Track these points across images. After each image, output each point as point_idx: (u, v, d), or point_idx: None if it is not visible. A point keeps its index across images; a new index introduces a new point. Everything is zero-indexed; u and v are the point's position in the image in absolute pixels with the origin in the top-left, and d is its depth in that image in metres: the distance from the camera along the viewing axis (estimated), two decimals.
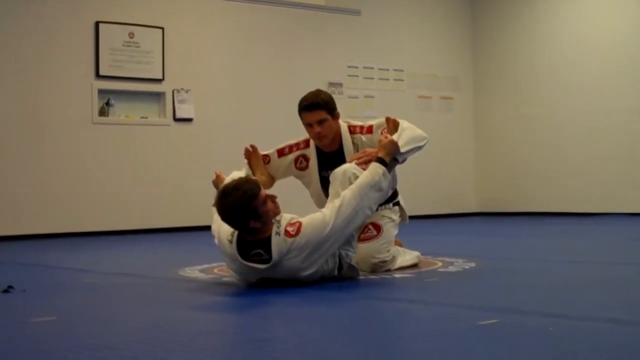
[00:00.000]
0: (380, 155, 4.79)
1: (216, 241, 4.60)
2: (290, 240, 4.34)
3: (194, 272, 5.36)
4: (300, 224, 4.40)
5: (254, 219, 4.28)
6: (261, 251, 4.35)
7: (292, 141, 5.48)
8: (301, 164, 5.42)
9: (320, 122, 5.16)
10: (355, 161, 4.84)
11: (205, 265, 5.65)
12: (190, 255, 6.69)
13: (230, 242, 4.41)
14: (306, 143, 5.41)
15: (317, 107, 5.15)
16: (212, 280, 4.96)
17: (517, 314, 3.52)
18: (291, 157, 5.43)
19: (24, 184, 9.03)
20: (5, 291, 4.48)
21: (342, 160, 5.07)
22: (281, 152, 5.46)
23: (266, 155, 5.45)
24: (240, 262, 4.38)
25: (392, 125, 5.12)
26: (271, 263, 4.32)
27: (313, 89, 11.37)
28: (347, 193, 4.54)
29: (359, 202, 4.52)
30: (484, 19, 12.86)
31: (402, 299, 4.12)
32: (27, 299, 4.35)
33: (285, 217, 4.44)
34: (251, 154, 5.45)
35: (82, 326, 3.57)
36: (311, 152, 5.38)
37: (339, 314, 3.90)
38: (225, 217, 4.35)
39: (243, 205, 4.27)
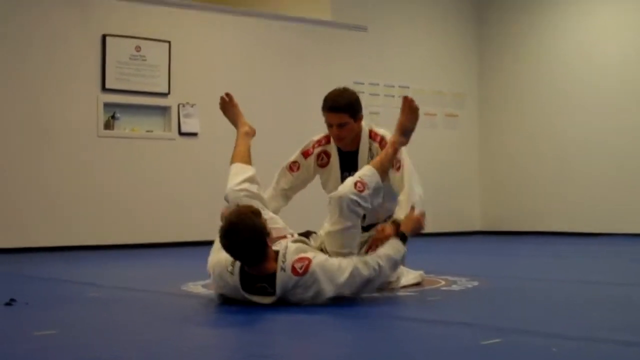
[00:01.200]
0: (403, 229, 4.76)
1: (211, 276, 4.54)
2: (296, 278, 4.27)
3: (196, 287, 5.35)
4: (309, 262, 4.29)
5: (265, 254, 4.24)
6: (266, 285, 4.28)
7: (314, 138, 5.36)
8: (322, 160, 5.29)
9: (341, 125, 5.07)
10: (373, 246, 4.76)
11: (208, 281, 5.64)
12: (193, 270, 6.67)
13: (232, 273, 4.32)
14: (327, 139, 5.28)
15: (340, 109, 5.05)
16: (214, 295, 4.95)
17: (521, 334, 3.51)
18: (314, 154, 5.31)
19: (28, 196, 9.03)
20: (8, 304, 4.48)
21: (356, 162, 5.03)
22: (306, 154, 5.31)
23: (295, 162, 5.30)
24: (242, 295, 4.31)
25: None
26: (275, 298, 4.28)
27: (318, 104, 11.38)
28: (374, 260, 4.46)
29: (377, 274, 4.46)
30: (490, 37, 12.87)
31: (405, 317, 4.12)
32: (30, 311, 4.34)
33: (290, 250, 4.32)
34: (227, 104, 5.35)
35: (84, 340, 3.56)
36: (332, 149, 5.26)
37: (340, 332, 3.90)
38: (236, 254, 4.25)
39: (255, 240, 4.19)
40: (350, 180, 4.64)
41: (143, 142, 9.84)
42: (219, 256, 4.43)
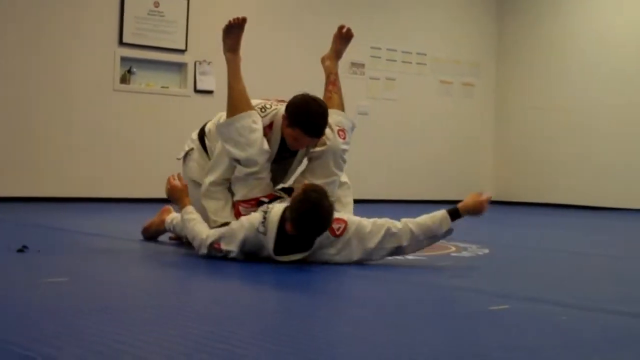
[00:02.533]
0: (461, 207, 4.73)
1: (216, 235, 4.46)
2: (333, 238, 4.37)
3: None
4: (346, 224, 4.40)
5: None
6: (298, 246, 4.35)
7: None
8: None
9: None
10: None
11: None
12: None
13: (264, 233, 4.31)
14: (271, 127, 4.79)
15: (317, 136, 4.70)
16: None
17: (528, 301, 3.52)
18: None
19: (43, 147, 9.05)
20: (20, 250, 4.51)
21: (293, 160, 4.88)
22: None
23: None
24: (268, 253, 4.34)
25: None
26: (308, 253, 4.35)
27: None
28: (406, 227, 4.47)
29: (408, 243, 4.48)
30: (508, 6, 12.79)
31: (414, 282, 4.12)
32: (41, 259, 4.37)
33: None
34: (238, 26, 4.98)
35: (94, 288, 3.59)
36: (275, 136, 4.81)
37: (346, 293, 3.91)
38: (320, 228, 4.27)
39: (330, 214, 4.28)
40: (330, 131, 4.75)
41: (158, 97, 9.84)
42: (242, 220, 4.40)
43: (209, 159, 4.88)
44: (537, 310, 3.35)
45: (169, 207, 5.20)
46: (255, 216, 4.37)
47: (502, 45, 12.83)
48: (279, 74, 10.37)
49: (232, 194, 4.71)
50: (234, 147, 4.59)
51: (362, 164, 11.08)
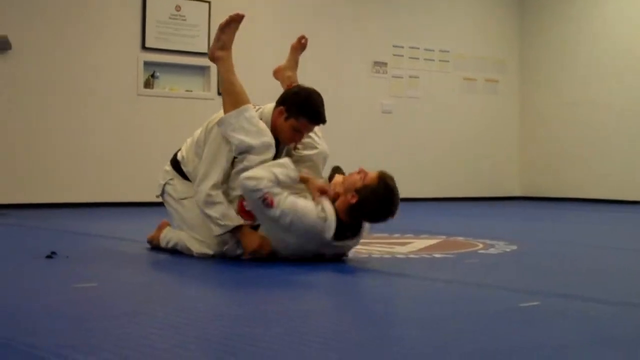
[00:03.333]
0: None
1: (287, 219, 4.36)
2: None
3: None
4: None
5: None
6: (349, 233, 4.45)
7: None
8: None
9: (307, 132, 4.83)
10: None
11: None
12: None
13: (325, 219, 4.35)
14: None
15: (321, 124, 4.79)
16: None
17: (559, 297, 3.49)
18: None
19: (69, 153, 9.10)
20: (49, 257, 4.53)
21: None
22: None
23: None
24: (328, 242, 4.38)
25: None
26: (358, 239, 4.55)
27: (357, 66, 11.30)
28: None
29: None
30: (532, 1, 12.73)
31: (441, 279, 4.11)
32: (70, 265, 4.39)
33: None
34: (235, 22, 4.92)
35: (122, 293, 3.60)
36: None
37: (375, 291, 3.90)
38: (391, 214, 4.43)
39: None
40: (317, 136, 4.92)
41: (182, 101, 9.87)
42: (309, 204, 4.38)
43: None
44: (568, 306, 3.33)
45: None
46: (310, 202, 4.39)
47: (525, 39, 12.77)
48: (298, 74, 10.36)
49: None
50: (246, 136, 4.53)
51: (386, 163, 11.03)
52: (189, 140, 4.98)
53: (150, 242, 5.15)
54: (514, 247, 5.44)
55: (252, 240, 4.52)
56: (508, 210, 10.38)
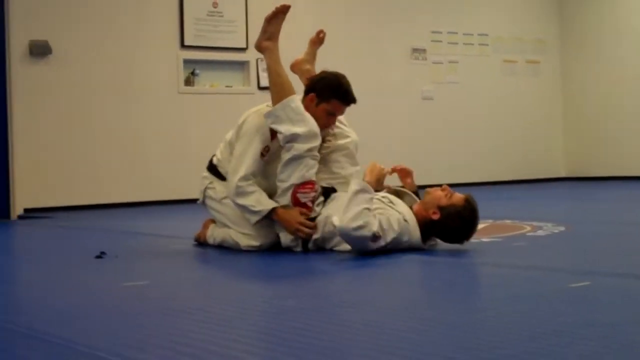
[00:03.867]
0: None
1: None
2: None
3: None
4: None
5: None
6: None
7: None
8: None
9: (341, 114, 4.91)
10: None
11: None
12: None
13: (407, 221, 4.38)
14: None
15: (352, 103, 4.85)
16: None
17: (609, 277, 3.47)
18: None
19: (113, 153, 9.17)
20: (99, 257, 4.58)
21: None
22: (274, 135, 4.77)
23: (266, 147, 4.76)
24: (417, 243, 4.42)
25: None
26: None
27: (396, 55, 11.28)
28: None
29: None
30: None
31: (491, 263, 4.09)
32: (120, 264, 4.43)
33: None
34: (282, 14, 5.00)
35: (173, 290, 3.63)
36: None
37: (428, 277, 3.90)
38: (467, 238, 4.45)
39: None
40: (345, 125, 5.05)
41: (223, 97, 9.90)
42: (394, 216, 4.36)
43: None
44: (619, 285, 3.30)
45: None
46: (394, 213, 4.38)
47: (565, 19, 12.64)
48: (336, 62, 10.37)
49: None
50: (292, 126, 4.58)
51: (429, 149, 11.03)
52: (221, 144, 5.05)
53: (197, 239, 5.18)
54: (562, 229, 5.40)
55: (291, 217, 4.57)
56: (554, 192, 10.30)
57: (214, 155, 5.09)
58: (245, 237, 4.74)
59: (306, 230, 4.56)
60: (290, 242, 4.63)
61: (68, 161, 8.92)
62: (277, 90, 4.74)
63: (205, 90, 9.83)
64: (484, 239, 4.96)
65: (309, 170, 4.59)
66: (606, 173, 12.12)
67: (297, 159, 4.57)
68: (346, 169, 4.89)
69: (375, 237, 4.20)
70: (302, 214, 4.58)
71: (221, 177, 4.95)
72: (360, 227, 4.16)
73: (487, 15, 12.01)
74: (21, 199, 8.58)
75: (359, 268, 4.10)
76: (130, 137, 9.30)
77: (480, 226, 5.64)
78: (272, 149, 4.71)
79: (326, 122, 4.77)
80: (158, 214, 8.22)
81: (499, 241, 4.90)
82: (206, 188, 5.02)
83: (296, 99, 4.70)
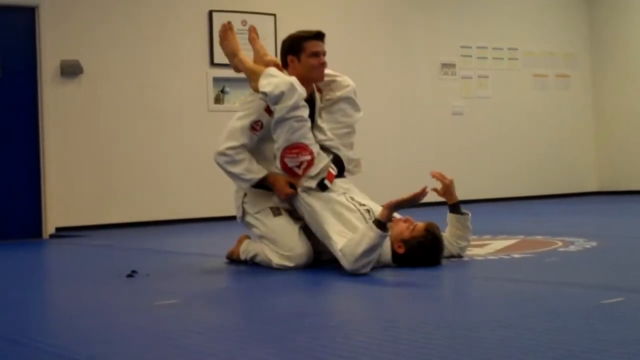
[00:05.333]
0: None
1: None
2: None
3: None
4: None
5: None
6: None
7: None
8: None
9: (324, 54, 4.99)
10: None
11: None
12: None
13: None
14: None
15: (323, 37, 4.99)
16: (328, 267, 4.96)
17: None
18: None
19: (142, 171, 9.20)
20: (130, 276, 4.59)
21: (314, 108, 4.95)
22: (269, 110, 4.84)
23: (257, 122, 4.86)
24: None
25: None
26: None
27: (425, 70, 11.28)
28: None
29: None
30: None
31: (523, 280, 4.06)
32: (151, 283, 4.44)
33: None
34: (227, 32, 5.33)
35: (204, 308, 3.63)
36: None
37: (460, 293, 3.88)
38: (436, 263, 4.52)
39: None
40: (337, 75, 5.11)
41: None
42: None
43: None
44: None
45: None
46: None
47: (595, 32, 12.57)
48: (366, 79, 10.39)
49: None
50: (272, 88, 4.67)
51: (459, 165, 10.99)
52: None
53: (229, 257, 5.19)
54: (594, 244, 5.36)
55: (279, 187, 4.77)
56: (585, 207, 10.23)
57: None
58: (279, 257, 4.74)
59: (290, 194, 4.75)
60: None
61: (99, 180, 8.97)
62: (250, 74, 5.00)
63: (235, 107, 9.82)
64: (515, 255, 4.93)
65: (293, 133, 4.68)
66: (638, 187, 12.02)
67: (281, 121, 4.69)
68: (351, 116, 5.03)
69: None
70: (289, 183, 4.75)
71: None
72: (364, 266, 4.30)
73: (516, 30, 11.97)
74: (53, 218, 8.64)
75: (382, 285, 4.09)
76: (161, 155, 9.34)
77: (511, 242, 5.64)
78: (265, 124, 4.81)
79: (317, 65, 4.89)
80: (189, 232, 8.23)
81: (530, 257, 4.86)
82: (242, 203, 5.05)
83: (272, 68, 4.87)
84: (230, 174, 4.91)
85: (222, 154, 4.90)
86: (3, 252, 7.04)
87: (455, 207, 4.85)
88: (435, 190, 4.78)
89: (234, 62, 5.22)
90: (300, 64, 4.90)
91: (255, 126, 4.84)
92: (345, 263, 4.32)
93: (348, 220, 4.54)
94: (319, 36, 4.97)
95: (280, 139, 4.71)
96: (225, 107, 9.77)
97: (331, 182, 4.72)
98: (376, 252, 4.31)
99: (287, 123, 4.67)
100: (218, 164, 4.96)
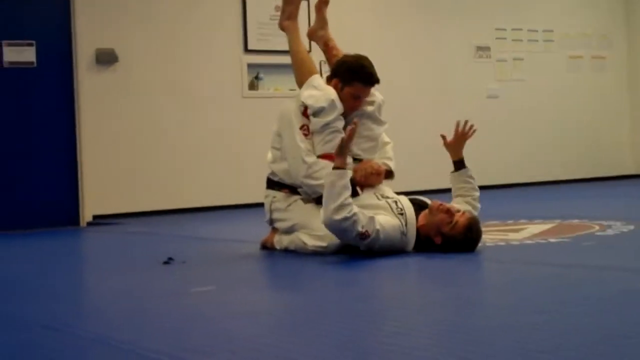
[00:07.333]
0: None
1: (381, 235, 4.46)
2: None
3: None
4: None
5: None
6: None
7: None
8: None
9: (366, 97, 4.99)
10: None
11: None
12: None
13: (405, 234, 4.52)
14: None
15: (375, 84, 4.97)
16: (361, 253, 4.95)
17: None
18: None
19: (177, 158, 9.23)
20: (166, 262, 4.61)
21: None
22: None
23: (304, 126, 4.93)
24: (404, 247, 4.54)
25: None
26: None
27: (459, 56, 11.22)
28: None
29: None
30: None
31: (560, 264, 4.04)
32: (187, 269, 4.47)
33: None
34: None
35: (240, 294, 3.64)
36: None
37: (495, 277, 3.87)
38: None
39: None
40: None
41: (287, 101, 9.90)
42: (391, 222, 4.49)
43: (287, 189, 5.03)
44: None
45: None
46: (397, 221, 4.51)
47: (630, 12, 12.43)
48: (399, 63, 10.36)
49: None
50: (314, 102, 4.81)
51: (494, 148, 10.93)
52: (269, 152, 5.26)
53: (263, 244, 5.20)
54: (632, 227, 5.31)
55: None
56: (622, 189, 10.14)
57: (269, 173, 5.21)
58: (312, 238, 4.75)
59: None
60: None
61: (136, 167, 9.01)
62: (298, 65, 5.15)
63: (269, 94, 9.86)
64: (552, 239, 4.90)
65: (326, 143, 4.80)
66: None
67: (316, 132, 4.83)
68: (373, 129, 4.99)
69: (363, 235, 4.37)
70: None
71: (281, 186, 5.03)
72: (345, 219, 4.31)
73: (551, 11, 11.86)
74: (90, 206, 8.70)
75: (420, 270, 4.09)
76: (196, 142, 9.37)
77: (547, 226, 5.61)
78: (311, 127, 4.87)
79: (352, 105, 4.91)
80: (224, 219, 8.26)
81: (567, 241, 4.84)
82: (271, 204, 5.07)
83: (317, 78, 4.99)
84: (314, 187, 4.83)
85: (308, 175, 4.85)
86: (41, 240, 7.11)
87: (459, 163, 4.97)
88: (443, 138, 4.97)
89: (285, 24, 5.29)
90: (341, 93, 4.89)
91: (304, 132, 4.90)
92: (322, 217, 4.38)
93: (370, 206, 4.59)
94: (372, 83, 4.93)
95: (316, 148, 4.84)
96: (259, 94, 9.78)
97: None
98: (341, 195, 4.32)
99: (321, 134, 4.81)
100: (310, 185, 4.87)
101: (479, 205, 4.91)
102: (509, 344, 2.45)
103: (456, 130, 4.94)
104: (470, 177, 4.95)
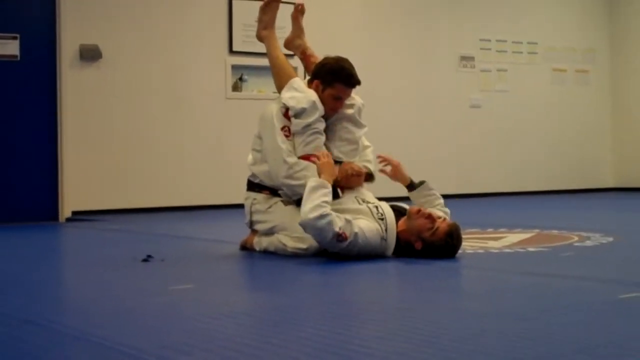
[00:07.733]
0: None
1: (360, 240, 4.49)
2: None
3: None
4: None
5: None
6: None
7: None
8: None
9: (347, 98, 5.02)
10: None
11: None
12: None
13: (386, 239, 4.55)
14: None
15: (356, 85, 4.97)
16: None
17: None
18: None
19: (160, 158, 9.22)
20: (145, 260, 4.61)
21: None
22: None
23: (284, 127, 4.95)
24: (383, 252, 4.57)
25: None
26: None
27: (444, 63, 11.28)
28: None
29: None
30: None
31: (539, 273, 4.05)
32: (166, 267, 4.45)
33: None
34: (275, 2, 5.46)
35: (219, 293, 3.63)
36: None
37: (475, 286, 3.87)
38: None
39: None
40: None
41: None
42: (370, 226, 4.52)
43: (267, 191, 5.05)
44: None
45: None
46: (376, 226, 4.54)
47: (615, 28, 12.50)
48: (385, 71, 10.38)
49: None
50: (295, 103, 4.87)
51: (476, 158, 10.97)
52: (250, 155, 5.27)
53: (243, 245, 5.20)
54: (610, 239, 5.34)
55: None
56: (602, 202, 10.19)
57: (250, 175, 5.23)
58: (293, 240, 4.75)
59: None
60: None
61: (117, 165, 8.98)
62: (277, 71, 5.20)
63: (253, 95, 9.85)
64: (531, 249, 4.92)
65: (307, 145, 4.84)
66: None
67: (297, 134, 4.86)
68: (354, 132, 5.02)
69: (340, 237, 4.39)
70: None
71: (261, 188, 5.05)
72: (320, 217, 4.35)
73: (536, 24, 11.91)
74: (69, 202, 8.66)
75: (400, 275, 4.09)
76: (178, 141, 9.35)
77: (527, 235, 5.63)
78: (292, 129, 4.90)
79: (333, 106, 4.94)
80: (204, 219, 8.25)
81: (546, 251, 4.85)
82: (251, 206, 5.07)
83: (298, 80, 5.04)
84: (294, 188, 4.85)
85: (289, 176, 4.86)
86: (20, 235, 7.07)
87: (412, 185, 5.03)
88: (384, 172, 5.06)
89: (263, 34, 5.41)
90: (322, 95, 4.92)
91: (286, 133, 4.91)
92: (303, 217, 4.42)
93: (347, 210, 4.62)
94: (352, 84, 4.94)
95: (297, 149, 4.87)
96: (242, 95, 9.77)
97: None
98: (320, 198, 4.39)
99: (302, 136, 4.85)
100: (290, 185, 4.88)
101: (448, 210, 4.95)
102: (489, 351, 2.45)
103: (386, 163, 5.07)
104: (429, 189, 5.02)
